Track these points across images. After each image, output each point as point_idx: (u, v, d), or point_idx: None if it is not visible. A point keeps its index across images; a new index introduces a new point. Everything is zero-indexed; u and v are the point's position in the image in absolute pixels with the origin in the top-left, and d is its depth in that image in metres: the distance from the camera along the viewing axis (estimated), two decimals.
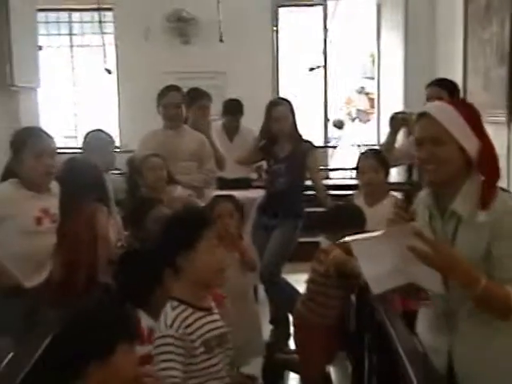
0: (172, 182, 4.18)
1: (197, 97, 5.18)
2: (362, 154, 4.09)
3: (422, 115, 2.11)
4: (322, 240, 3.56)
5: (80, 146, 4.24)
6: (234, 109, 5.95)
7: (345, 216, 3.44)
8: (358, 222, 3.32)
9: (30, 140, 3.05)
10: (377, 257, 2.03)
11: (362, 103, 11.77)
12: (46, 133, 3.18)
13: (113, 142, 4.24)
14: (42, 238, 3.10)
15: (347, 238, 2.14)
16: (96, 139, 4.10)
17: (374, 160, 3.87)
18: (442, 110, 2.08)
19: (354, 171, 4.07)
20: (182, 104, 4.75)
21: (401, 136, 4.47)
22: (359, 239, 2.14)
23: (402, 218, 2.26)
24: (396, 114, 4.22)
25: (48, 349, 1.77)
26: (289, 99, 4.82)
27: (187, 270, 2.16)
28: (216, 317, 2.27)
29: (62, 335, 1.77)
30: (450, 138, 2.02)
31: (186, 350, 2.10)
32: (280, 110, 4.60)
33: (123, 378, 1.75)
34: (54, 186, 3.22)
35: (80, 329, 1.75)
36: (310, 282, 3.53)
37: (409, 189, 3.51)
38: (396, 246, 1.97)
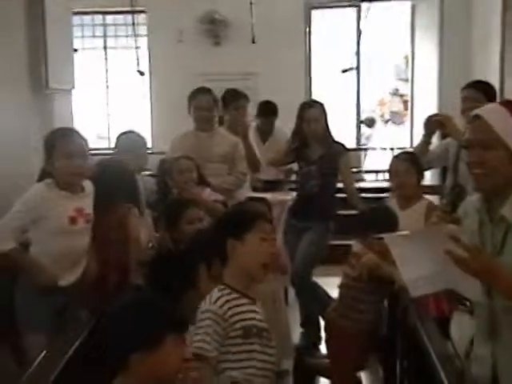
0: (203, 184, 4.17)
1: (233, 97, 5.15)
2: (395, 156, 4.03)
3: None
4: (355, 244, 3.52)
5: (112, 147, 4.26)
6: (268, 111, 5.93)
7: (378, 219, 3.40)
8: (391, 225, 3.27)
9: (59, 141, 3.07)
10: (413, 257, 1.99)
11: (396, 105, 11.67)
12: (77, 133, 3.20)
13: (145, 143, 4.25)
14: (76, 237, 3.12)
15: (382, 235, 2.11)
16: (128, 140, 4.11)
17: (407, 162, 3.81)
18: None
19: (387, 174, 4.02)
20: (213, 106, 4.75)
21: (435, 138, 4.40)
22: (394, 236, 2.11)
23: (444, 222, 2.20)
24: (431, 116, 4.15)
25: (96, 337, 1.77)
26: (321, 101, 4.79)
27: (234, 258, 2.22)
28: (258, 309, 2.28)
29: (113, 323, 1.76)
30: (500, 144, 1.95)
31: (225, 330, 2.14)
32: (312, 112, 4.57)
33: (170, 368, 1.74)
34: (89, 185, 3.24)
35: (131, 318, 1.74)
36: (342, 286, 3.48)
37: (454, 193, 3.43)
38: (433, 247, 1.93)
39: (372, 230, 3.24)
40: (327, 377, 3.82)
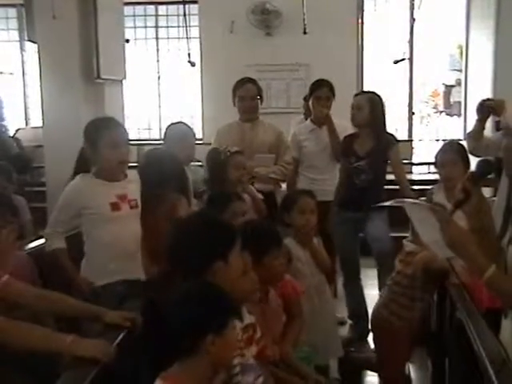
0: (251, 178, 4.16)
1: (315, 87, 4.98)
2: (441, 147, 3.89)
3: None
4: (406, 243, 3.44)
5: (162, 137, 4.29)
6: None
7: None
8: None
9: (105, 131, 3.09)
10: (425, 222, 2.06)
11: (450, 96, 11.42)
12: (118, 122, 3.23)
13: (194, 134, 4.26)
14: (122, 223, 3.12)
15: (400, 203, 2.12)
16: (177, 131, 4.13)
17: (453, 153, 3.68)
18: None
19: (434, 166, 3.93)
20: (255, 96, 4.71)
21: (489, 124, 4.25)
22: (409, 202, 2.17)
23: (459, 192, 2.16)
24: (484, 101, 4.01)
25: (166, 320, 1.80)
26: (374, 91, 4.68)
27: (219, 278, 2.03)
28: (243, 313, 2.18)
29: (185, 310, 1.80)
30: None
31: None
32: (356, 100, 4.48)
33: (231, 351, 1.88)
34: (132, 173, 3.26)
35: (203, 302, 1.80)
36: (394, 284, 3.41)
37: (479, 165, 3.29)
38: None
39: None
40: (375, 371, 3.77)
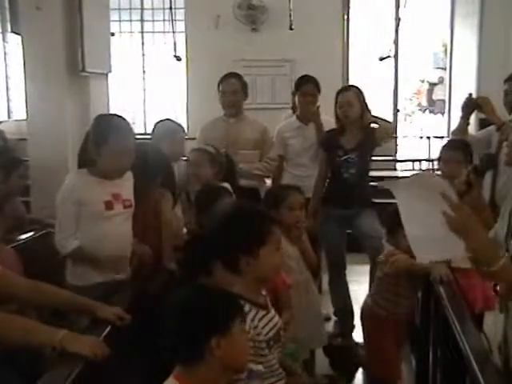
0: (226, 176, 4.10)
1: (300, 83, 4.94)
2: (447, 143, 3.91)
3: None
4: (385, 244, 3.45)
5: (148, 132, 4.27)
6: None
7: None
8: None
9: (112, 137, 2.99)
10: (417, 210, 1.94)
11: (434, 94, 11.49)
12: (127, 126, 3.14)
13: (183, 130, 4.23)
14: (114, 222, 3.07)
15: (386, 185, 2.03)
16: (165, 129, 4.10)
17: (458, 152, 3.68)
18: None
19: (424, 163, 3.94)
20: (239, 91, 4.69)
21: (472, 121, 4.26)
22: (397, 184, 2.05)
23: (461, 183, 2.15)
24: (469, 97, 4.01)
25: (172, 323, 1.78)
26: (358, 86, 4.69)
27: (248, 272, 2.09)
28: (273, 313, 2.21)
29: (188, 312, 1.78)
30: None
31: (255, 350, 2.06)
32: (345, 97, 4.47)
33: (244, 352, 1.85)
34: (128, 172, 3.20)
35: (198, 307, 1.77)
36: (379, 279, 3.42)
37: (481, 159, 3.24)
38: (433, 202, 1.88)
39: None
40: (363, 366, 3.77)
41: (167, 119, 4.27)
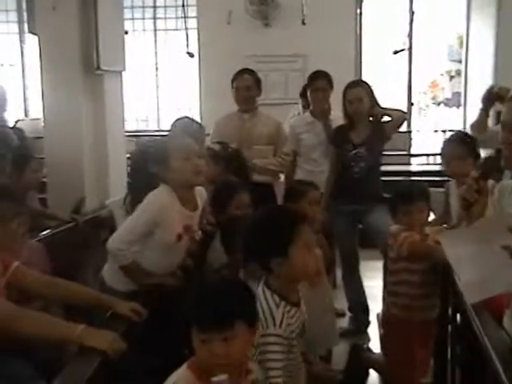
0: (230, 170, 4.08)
1: (312, 78, 4.93)
2: (448, 139, 3.81)
3: None
4: (392, 227, 3.42)
5: (161, 129, 4.28)
6: None
7: (408, 191, 3.26)
8: (421, 197, 3.21)
9: (175, 145, 2.99)
10: (468, 257, 1.93)
11: (449, 87, 11.40)
12: (193, 129, 3.12)
13: (202, 131, 4.20)
14: (173, 252, 3.06)
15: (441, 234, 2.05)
16: (184, 127, 4.09)
17: (460, 146, 3.58)
18: None
19: (439, 157, 3.87)
20: (252, 86, 4.69)
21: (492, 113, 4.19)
22: (450, 233, 2.04)
23: (472, 191, 2.11)
24: (491, 88, 3.94)
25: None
26: (366, 81, 4.68)
27: (281, 272, 2.11)
28: (302, 309, 2.23)
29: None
30: None
31: (288, 347, 2.08)
32: (354, 92, 4.47)
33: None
34: (203, 197, 3.18)
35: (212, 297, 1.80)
36: (388, 273, 3.40)
37: (486, 162, 3.18)
38: (489, 243, 1.86)
39: (402, 205, 3.19)
40: (380, 372, 3.72)
41: (186, 117, 4.27)
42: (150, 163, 3.12)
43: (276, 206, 2.67)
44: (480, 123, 3.90)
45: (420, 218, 3.21)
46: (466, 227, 2.01)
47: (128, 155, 5.32)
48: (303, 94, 5.88)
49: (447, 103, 11.24)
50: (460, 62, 9.69)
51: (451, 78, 11.40)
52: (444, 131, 9.05)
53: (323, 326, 3.19)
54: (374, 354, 3.85)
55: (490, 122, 4.31)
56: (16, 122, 8.30)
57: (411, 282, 3.21)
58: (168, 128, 4.30)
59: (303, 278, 2.19)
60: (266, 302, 2.10)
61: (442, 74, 11.63)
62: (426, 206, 3.25)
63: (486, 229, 1.93)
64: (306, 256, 2.10)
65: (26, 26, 8.45)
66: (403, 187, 3.38)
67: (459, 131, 4.12)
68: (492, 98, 3.77)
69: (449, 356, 3.15)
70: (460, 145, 3.63)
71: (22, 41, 10.15)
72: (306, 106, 5.52)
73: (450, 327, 3.22)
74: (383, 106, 4.60)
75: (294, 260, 2.07)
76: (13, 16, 10.26)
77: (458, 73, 10.45)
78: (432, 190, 3.45)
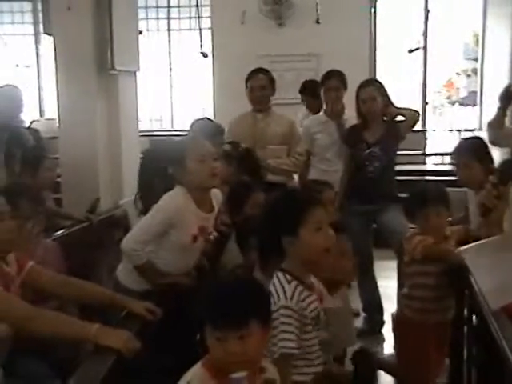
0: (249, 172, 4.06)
1: (325, 78, 4.93)
2: (456, 146, 3.74)
3: None
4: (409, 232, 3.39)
5: (176, 128, 4.29)
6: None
7: (425, 196, 3.19)
8: (439, 200, 3.15)
9: (190, 147, 2.99)
10: (489, 267, 1.92)
11: (465, 86, 11.31)
12: (211, 130, 3.12)
13: (220, 131, 4.19)
14: (190, 253, 3.08)
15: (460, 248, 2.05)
16: (202, 128, 4.08)
17: (464, 155, 3.53)
18: None
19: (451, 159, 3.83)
20: (267, 86, 4.70)
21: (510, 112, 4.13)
22: (470, 248, 2.03)
23: (491, 197, 2.08)
24: (509, 86, 3.87)
25: None
26: (379, 80, 4.67)
27: (292, 252, 2.17)
28: (315, 297, 2.25)
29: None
30: None
31: (301, 324, 2.11)
32: (367, 91, 4.45)
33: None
34: (218, 199, 3.18)
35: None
36: (402, 275, 3.37)
37: (504, 165, 3.11)
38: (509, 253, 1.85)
39: (419, 208, 3.14)
40: (392, 374, 3.69)
41: (205, 118, 4.25)
42: (163, 163, 3.12)
43: (291, 188, 2.71)
44: (497, 122, 3.87)
45: (438, 221, 3.16)
46: (484, 234, 1.99)
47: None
48: (302, 91, 5.92)
49: (462, 102, 11.14)
50: (476, 60, 9.61)
51: (467, 76, 11.31)
52: (459, 130, 8.98)
53: (341, 323, 3.18)
54: (384, 355, 3.82)
55: (507, 120, 4.28)
56: (31, 122, 8.34)
57: (426, 285, 3.18)
58: (182, 128, 4.31)
59: (314, 258, 2.21)
60: (278, 280, 2.16)
61: (457, 73, 11.53)
62: (445, 210, 3.19)
63: (507, 240, 1.91)
64: (317, 237, 2.15)
65: (41, 27, 8.52)
66: (419, 190, 3.34)
67: (466, 138, 4.08)
68: (510, 96, 3.74)
69: (465, 357, 3.12)
70: (463, 153, 3.59)
71: (37, 42, 10.23)
72: (307, 104, 5.54)
73: (465, 328, 3.19)
74: (397, 105, 4.59)
75: (304, 240, 2.14)
76: (28, 17, 10.34)
77: (474, 71, 10.37)
78: (449, 189, 3.41)
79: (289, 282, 2.14)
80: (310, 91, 5.93)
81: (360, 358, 3.43)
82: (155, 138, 8.93)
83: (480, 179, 3.43)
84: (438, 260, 3.11)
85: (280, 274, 2.18)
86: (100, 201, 4.65)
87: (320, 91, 5.07)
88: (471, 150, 3.56)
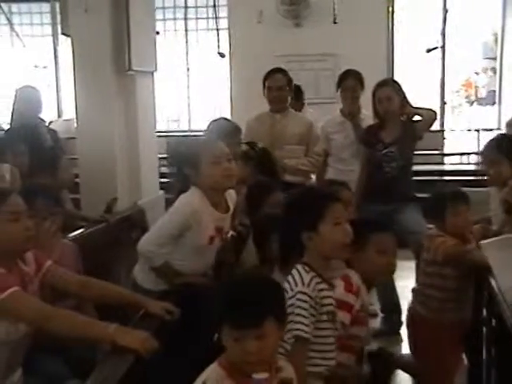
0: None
1: (342, 78, 4.92)
2: (486, 144, 3.71)
3: None
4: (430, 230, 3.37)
5: (193, 129, 4.29)
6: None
7: (445, 198, 3.19)
8: (459, 204, 3.14)
9: (204, 149, 2.99)
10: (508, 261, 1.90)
11: (484, 85, 11.21)
12: (228, 131, 3.13)
13: (237, 131, 4.18)
14: (206, 253, 3.08)
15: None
16: (218, 129, 4.07)
17: (495, 151, 3.50)
18: None
19: (472, 157, 3.81)
20: (285, 86, 4.69)
21: None
22: (491, 242, 2.02)
23: None
24: None
25: None
26: (395, 80, 4.64)
27: (312, 247, 2.22)
28: (332, 294, 2.27)
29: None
30: None
31: (317, 312, 2.14)
32: (383, 91, 4.43)
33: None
34: (233, 200, 3.18)
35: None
36: (420, 274, 3.35)
37: None
38: None
39: (441, 211, 3.13)
40: (411, 374, 3.66)
41: (222, 118, 4.25)
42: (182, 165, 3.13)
43: (311, 186, 2.78)
44: None
45: (458, 222, 3.14)
46: (508, 231, 1.97)
47: (160, 155, 5.37)
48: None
49: (481, 101, 11.05)
50: (495, 59, 9.52)
51: (486, 75, 11.21)
52: (478, 130, 8.90)
53: None
54: (403, 355, 3.79)
55: None
56: (49, 122, 8.41)
57: (443, 287, 3.16)
58: (199, 128, 4.31)
59: (332, 253, 2.26)
60: (296, 271, 2.21)
61: (476, 72, 11.43)
62: (465, 211, 3.16)
63: None
64: (336, 233, 2.20)
65: (59, 28, 8.58)
66: (438, 192, 3.34)
67: (497, 135, 4.04)
68: None
69: (484, 357, 3.09)
70: (491, 150, 3.57)
71: (55, 43, 10.30)
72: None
73: (484, 329, 3.16)
74: (415, 105, 4.56)
75: (323, 235, 2.19)
76: (46, 18, 10.43)
77: (493, 70, 10.27)
78: (467, 190, 3.39)
79: (307, 272, 2.19)
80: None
81: (378, 358, 3.41)
82: (172, 137, 8.99)
83: (508, 176, 3.41)
84: (458, 263, 3.08)
85: (299, 266, 2.22)
86: (117, 201, 4.66)
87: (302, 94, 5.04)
88: (499, 147, 3.54)
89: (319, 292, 2.15)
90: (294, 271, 2.21)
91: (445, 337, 3.11)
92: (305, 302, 2.10)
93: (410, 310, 3.41)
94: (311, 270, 2.20)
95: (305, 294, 2.12)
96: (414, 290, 3.40)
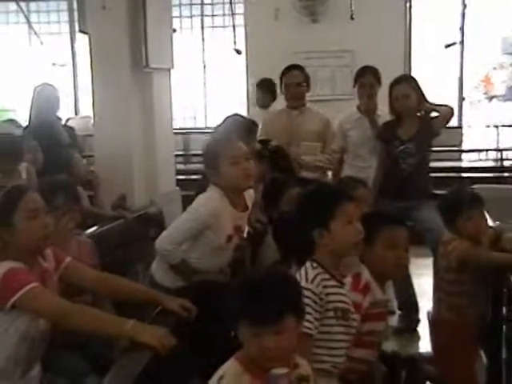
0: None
1: (359, 74, 4.88)
2: None
3: None
4: (445, 233, 3.34)
5: (209, 125, 4.29)
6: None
7: (459, 201, 3.17)
8: (473, 208, 3.10)
9: (222, 150, 2.99)
10: None
11: (504, 81, 11.08)
12: (243, 128, 3.13)
13: (253, 127, 4.16)
14: (224, 252, 3.09)
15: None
16: (233, 126, 4.07)
17: None
18: None
19: (491, 153, 3.77)
20: (302, 82, 4.68)
21: None
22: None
23: None
24: None
25: None
26: (412, 76, 4.60)
27: (323, 245, 2.21)
28: (345, 291, 2.27)
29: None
30: None
31: (321, 308, 2.13)
32: (400, 88, 4.40)
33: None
34: (251, 198, 3.18)
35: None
36: (438, 279, 3.31)
37: None
38: None
39: (455, 215, 3.10)
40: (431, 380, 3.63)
41: (236, 114, 4.25)
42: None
43: (324, 183, 2.77)
44: None
45: (473, 226, 3.11)
46: None
47: (176, 152, 5.38)
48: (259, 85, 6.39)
49: (500, 97, 10.93)
50: None
51: (505, 71, 11.09)
52: (496, 126, 8.81)
53: None
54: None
55: None
56: (67, 120, 8.48)
57: (463, 292, 3.13)
58: (215, 125, 4.30)
59: (343, 251, 2.25)
60: (304, 267, 2.22)
61: (494, 68, 11.31)
62: (479, 214, 3.14)
63: None
64: (347, 231, 2.19)
65: (76, 25, 8.63)
66: (451, 196, 3.31)
67: None
68: None
69: (503, 359, 3.06)
70: None
71: (72, 40, 10.38)
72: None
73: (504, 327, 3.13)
74: (433, 101, 4.52)
75: (335, 233, 2.18)
76: (64, 16, 10.50)
77: None
78: (486, 186, 3.35)
79: (314, 268, 2.19)
80: (267, 88, 6.28)
81: (408, 366, 3.38)
82: (189, 136, 9.01)
83: None
84: (473, 267, 3.06)
85: (308, 263, 2.23)
86: (126, 198, 4.67)
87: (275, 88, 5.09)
88: None
89: (324, 288, 2.15)
90: (302, 268, 2.22)
91: (466, 336, 3.10)
92: (308, 297, 2.09)
93: (431, 314, 3.38)
94: (319, 266, 2.20)
95: (308, 290, 2.11)
96: (435, 297, 3.37)
